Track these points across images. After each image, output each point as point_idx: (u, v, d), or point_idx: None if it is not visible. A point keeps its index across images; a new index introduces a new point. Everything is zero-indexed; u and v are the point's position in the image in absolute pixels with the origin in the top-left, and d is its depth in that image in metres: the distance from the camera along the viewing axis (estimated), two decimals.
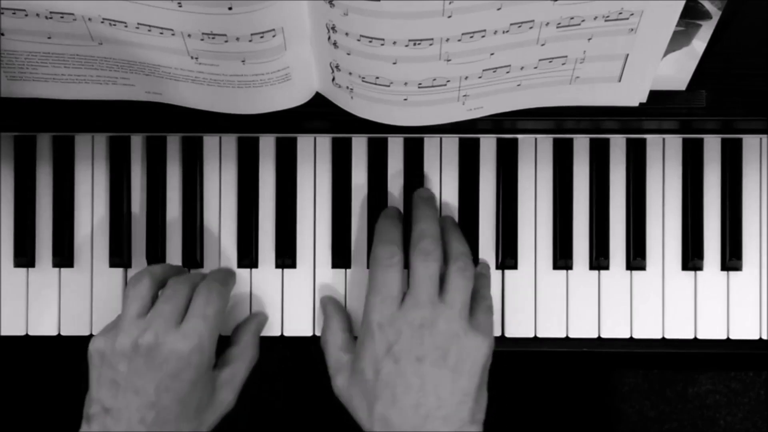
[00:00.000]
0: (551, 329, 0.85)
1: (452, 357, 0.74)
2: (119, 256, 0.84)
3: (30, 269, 0.85)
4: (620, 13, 0.68)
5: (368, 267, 0.83)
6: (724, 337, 0.85)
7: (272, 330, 0.84)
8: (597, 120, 0.81)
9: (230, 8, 0.66)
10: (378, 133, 0.85)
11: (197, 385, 0.75)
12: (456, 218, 0.85)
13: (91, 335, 0.84)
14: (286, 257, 0.85)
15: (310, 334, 0.85)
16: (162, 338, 0.74)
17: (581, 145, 0.85)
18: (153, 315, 0.76)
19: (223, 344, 0.81)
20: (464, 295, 0.76)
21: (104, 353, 0.75)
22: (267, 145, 0.85)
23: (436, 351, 0.74)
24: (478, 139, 0.85)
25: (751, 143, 0.85)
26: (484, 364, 0.75)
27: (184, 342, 0.75)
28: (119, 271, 0.85)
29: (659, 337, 0.85)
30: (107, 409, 0.73)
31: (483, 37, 0.68)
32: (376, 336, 0.75)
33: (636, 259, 0.84)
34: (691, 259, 0.84)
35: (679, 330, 0.85)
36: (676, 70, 0.76)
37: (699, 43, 0.73)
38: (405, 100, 0.74)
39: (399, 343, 0.74)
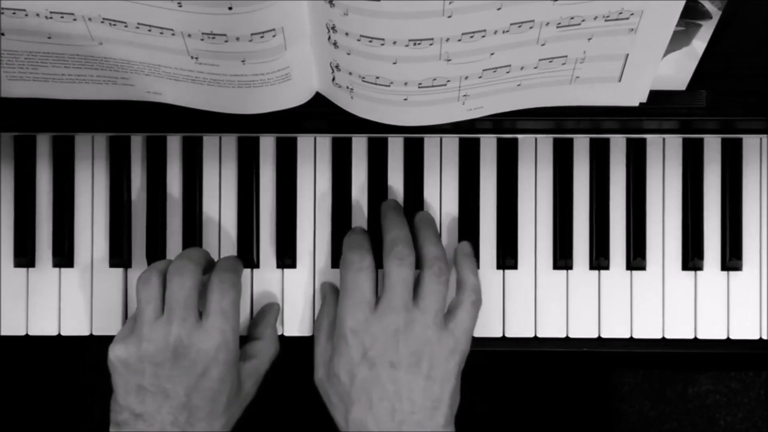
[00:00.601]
0: (551, 329, 0.85)
1: (425, 363, 0.75)
2: (119, 256, 0.84)
3: (30, 269, 0.85)
4: (620, 13, 0.68)
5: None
6: (724, 337, 0.85)
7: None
8: (597, 120, 0.81)
9: (230, 8, 0.66)
10: (378, 133, 0.85)
11: (226, 381, 0.76)
12: (456, 218, 0.85)
13: (91, 335, 0.84)
14: (286, 257, 0.85)
15: (310, 334, 0.85)
16: (187, 340, 0.74)
17: (581, 145, 0.85)
18: (170, 316, 0.75)
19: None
20: (439, 300, 0.77)
21: (128, 361, 0.75)
22: (267, 145, 0.85)
23: (411, 357, 0.75)
24: (478, 139, 0.85)
25: (751, 143, 0.85)
26: (457, 370, 0.76)
27: (209, 340, 0.75)
28: (119, 271, 0.85)
29: (659, 337, 0.85)
30: (138, 415, 0.74)
31: (483, 37, 0.68)
32: (350, 341, 0.76)
33: (636, 259, 0.84)
34: (691, 259, 0.84)
35: (679, 330, 0.85)
36: (676, 70, 0.76)
37: (699, 43, 0.73)
38: (405, 100, 0.74)
39: (374, 349, 0.75)
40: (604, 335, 0.85)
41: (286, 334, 0.85)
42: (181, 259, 0.78)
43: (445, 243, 0.85)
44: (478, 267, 0.84)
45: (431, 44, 0.68)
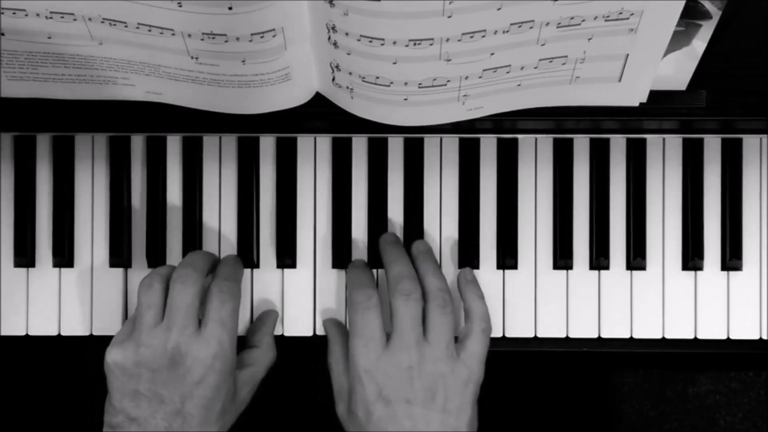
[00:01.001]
0: (551, 329, 0.85)
1: (440, 397, 0.76)
2: (119, 256, 0.84)
3: (30, 269, 0.85)
4: (620, 13, 0.68)
5: (371, 268, 0.83)
6: (724, 337, 0.85)
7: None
8: (597, 120, 0.81)
9: (230, 8, 0.66)
10: (378, 133, 0.85)
11: (221, 389, 0.76)
12: (456, 219, 0.85)
13: (91, 335, 0.84)
14: (286, 257, 0.85)
15: (310, 334, 0.85)
16: (184, 348, 0.75)
17: (581, 145, 0.85)
18: (170, 323, 0.75)
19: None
20: (447, 332, 0.77)
21: (124, 365, 0.75)
22: (267, 145, 0.85)
23: (426, 392, 0.75)
24: (478, 139, 0.85)
25: (751, 143, 0.85)
26: (472, 399, 0.77)
27: (206, 349, 0.75)
28: (119, 271, 0.85)
29: (659, 337, 0.85)
30: (132, 419, 0.74)
31: (483, 37, 0.68)
32: (364, 382, 0.76)
33: (636, 259, 0.84)
34: (691, 259, 0.84)
35: (679, 330, 0.85)
36: (676, 70, 0.76)
37: (699, 43, 0.73)
38: (405, 100, 0.74)
39: (388, 387, 0.76)
40: (604, 335, 0.85)
41: (287, 334, 0.85)
42: (185, 267, 0.78)
43: (446, 244, 0.85)
44: (477, 267, 0.84)
45: (431, 44, 0.68)
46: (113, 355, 0.75)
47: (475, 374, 0.77)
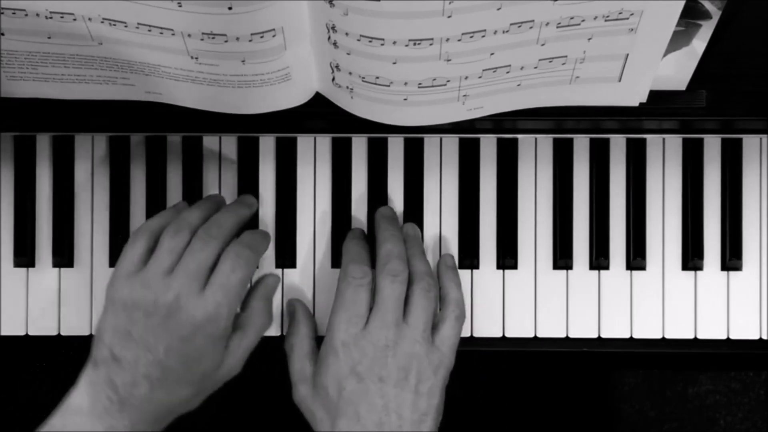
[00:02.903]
0: (551, 329, 0.85)
1: (413, 378, 0.76)
2: (119, 256, 0.84)
3: (30, 269, 0.85)
4: (620, 13, 0.68)
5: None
6: (724, 337, 0.85)
7: (273, 330, 0.84)
8: (597, 120, 0.81)
9: (230, 8, 0.66)
10: (378, 133, 0.85)
11: (206, 354, 0.75)
12: (456, 218, 0.85)
13: (91, 335, 0.84)
14: (286, 257, 0.85)
15: None
16: (183, 302, 0.73)
17: (581, 145, 0.85)
18: (178, 275, 0.74)
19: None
20: (427, 315, 0.78)
21: (126, 303, 0.74)
22: (267, 145, 0.85)
23: (399, 372, 0.76)
24: (478, 139, 0.85)
25: (751, 143, 0.85)
26: (442, 384, 0.77)
27: (202, 310, 0.74)
28: None
29: (659, 337, 0.85)
30: (115, 357, 0.73)
31: (483, 37, 0.68)
32: (340, 354, 0.76)
33: (636, 259, 0.84)
34: (691, 259, 0.84)
35: (679, 330, 0.85)
36: (676, 70, 0.76)
37: (699, 43, 0.73)
38: (405, 100, 0.74)
39: (363, 363, 0.76)
40: (604, 335, 0.85)
41: (286, 333, 0.85)
42: (212, 227, 0.76)
43: (446, 244, 0.85)
44: (477, 267, 0.84)
45: (431, 44, 0.68)
46: (121, 291, 0.74)
47: (447, 359, 0.78)
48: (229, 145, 0.85)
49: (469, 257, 0.84)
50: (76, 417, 0.73)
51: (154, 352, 0.73)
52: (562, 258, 0.84)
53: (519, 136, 0.85)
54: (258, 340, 0.79)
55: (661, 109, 0.79)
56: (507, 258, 0.84)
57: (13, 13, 0.69)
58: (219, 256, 0.76)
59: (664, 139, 0.85)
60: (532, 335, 0.85)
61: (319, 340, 0.81)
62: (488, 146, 0.85)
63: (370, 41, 0.67)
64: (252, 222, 0.84)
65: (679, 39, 0.73)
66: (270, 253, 0.85)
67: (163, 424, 0.76)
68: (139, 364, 0.73)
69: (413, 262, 0.80)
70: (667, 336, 0.85)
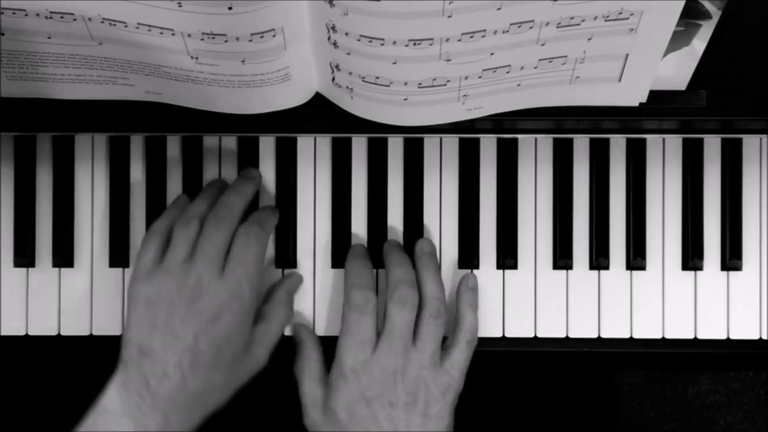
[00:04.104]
0: (551, 329, 0.85)
1: (422, 402, 0.77)
2: (119, 256, 0.84)
3: (30, 269, 0.85)
4: (620, 13, 0.68)
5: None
6: (724, 337, 0.85)
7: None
8: (597, 120, 0.81)
9: (230, 8, 0.66)
10: (378, 133, 0.85)
11: (235, 333, 0.76)
12: (456, 218, 0.85)
13: (91, 335, 0.84)
14: (286, 257, 0.85)
15: None
16: (206, 283, 0.75)
17: (581, 145, 0.85)
18: (196, 259, 0.76)
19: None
20: (435, 341, 0.78)
21: (149, 296, 0.75)
22: (267, 145, 0.85)
23: (408, 396, 0.76)
24: (478, 139, 0.85)
25: (751, 143, 0.85)
26: (451, 407, 0.78)
27: (225, 287, 0.75)
28: (119, 271, 0.85)
29: (659, 337, 0.85)
30: (144, 351, 0.74)
31: (483, 37, 0.68)
32: (350, 380, 0.77)
33: (636, 259, 0.84)
34: (691, 259, 0.84)
35: (679, 330, 0.85)
36: (676, 70, 0.76)
37: (699, 43, 0.73)
38: (405, 100, 0.74)
39: (372, 389, 0.76)
40: (604, 335, 0.85)
41: (286, 333, 0.84)
42: (222, 210, 0.78)
43: (446, 244, 0.85)
44: (477, 267, 0.84)
45: (431, 44, 0.68)
46: (143, 288, 0.76)
47: (456, 383, 0.79)
48: (229, 145, 0.85)
49: (469, 257, 0.84)
50: (107, 417, 0.74)
51: (183, 339, 0.74)
52: (562, 258, 0.84)
53: (519, 136, 0.85)
54: (281, 331, 0.81)
55: (661, 109, 0.79)
56: (507, 258, 0.84)
57: (13, 13, 0.69)
58: (232, 236, 0.77)
59: (664, 139, 0.85)
60: (532, 335, 0.85)
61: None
62: (488, 146, 0.85)
63: (370, 41, 0.67)
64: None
65: (679, 39, 0.73)
66: (270, 254, 0.85)
67: (196, 423, 0.76)
68: (169, 354, 0.73)
69: (425, 284, 0.80)
70: (667, 336, 0.85)
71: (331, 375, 0.78)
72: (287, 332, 0.84)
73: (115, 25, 0.69)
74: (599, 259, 0.84)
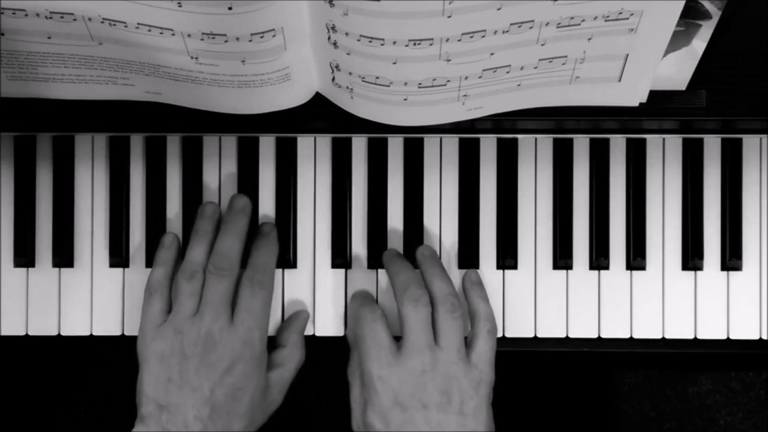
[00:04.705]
0: (551, 329, 0.85)
1: (456, 400, 0.76)
2: (119, 256, 0.84)
3: (30, 269, 0.85)
4: (620, 13, 0.68)
5: (370, 268, 0.84)
6: (724, 337, 0.85)
7: (272, 330, 0.84)
8: (597, 120, 0.81)
9: (230, 8, 0.66)
10: (378, 133, 0.85)
11: (250, 380, 0.77)
12: (456, 219, 0.85)
13: (91, 335, 0.84)
14: (286, 257, 0.84)
15: (310, 333, 0.85)
16: (217, 335, 0.76)
17: (581, 145, 0.85)
18: (204, 312, 0.77)
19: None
20: (458, 336, 0.78)
21: (163, 354, 0.76)
22: (267, 145, 0.85)
23: (441, 396, 0.76)
24: (478, 139, 0.85)
25: (751, 143, 0.85)
26: (487, 401, 0.77)
27: (237, 337, 0.76)
28: (119, 271, 0.85)
29: (659, 337, 0.85)
30: (163, 406, 0.75)
31: (483, 37, 0.68)
32: (379, 389, 0.76)
33: (636, 259, 0.84)
34: (691, 259, 0.84)
35: (679, 330, 0.85)
36: (676, 70, 0.76)
37: (699, 43, 0.73)
38: (405, 100, 0.74)
39: (403, 392, 0.76)
40: (604, 335, 0.85)
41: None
42: (221, 259, 0.79)
43: (446, 244, 0.85)
44: (477, 267, 0.84)
45: (431, 44, 0.68)
46: (155, 347, 0.77)
47: (486, 375, 0.78)
48: (229, 145, 0.85)
49: (469, 257, 0.84)
50: None
51: (200, 392, 0.75)
52: (562, 258, 0.84)
53: (519, 136, 0.85)
54: (296, 373, 0.82)
55: (661, 109, 0.79)
56: (507, 258, 0.84)
57: (13, 13, 0.69)
58: (234, 281, 0.78)
59: (664, 139, 0.85)
60: (532, 335, 0.85)
61: (315, 339, 0.82)
62: (488, 146, 0.85)
63: (370, 41, 0.67)
64: (252, 222, 0.84)
65: (679, 39, 0.73)
66: None
67: None
68: (189, 407, 0.74)
69: (433, 283, 0.80)
70: (667, 336, 0.85)
71: (364, 391, 0.78)
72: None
73: (115, 25, 0.69)
74: (599, 259, 0.84)
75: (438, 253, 0.84)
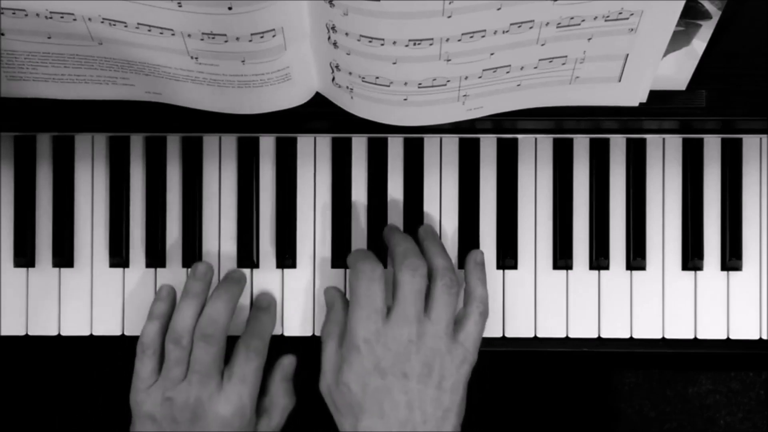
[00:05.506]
0: (551, 329, 0.85)
1: (436, 374, 0.76)
2: (119, 256, 0.84)
3: (30, 269, 0.85)
4: (620, 13, 0.68)
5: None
6: (724, 337, 0.85)
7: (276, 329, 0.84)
8: (597, 120, 0.81)
9: (230, 8, 0.66)
10: (378, 133, 0.85)
11: None
12: (456, 219, 0.85)
13: (91, 335, 0.84)
14: (286, 257, 0.85)
15: (310, 334, 0.85)
16: (206, 403, 0.77)
17: (581, 145, 0.85)
18: (193, 378, 0.77)
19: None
20: (450, 311, 0.77)
21: (154, 416, 0.77)
22: (267, 145, 0.85)
23: (423, 368, 0.75)
24: (478, 139, 0.85)
25: (751, 143, 0.85)
26: (465, 380, 0.77)
27: (227, 405, 0.77)
28: (119, 271, 0.85)
29: (659, 337, 0.85)
30: None
31: (483, 37, 0.68)
32: (362, 351, 0.76)
33: (636, 259, 0.84)
34: (691, 259, 0.84)
35: (679, 330, 0.85)
36: (676, 70, 0.76)
37: (699, 43, 0.73)
38: (405, 100, 0.74)
39: (386, 359, 0.76)
40: (604, 335, 0.85)
41: (287, 334, 0.85)
42: (210, 325, 0.78)
43: (446, 244, 0.85)
44: None
45: (431, 44, 0.68)
46: (146, 407, 0.77)
47: (470, 355, 0.78)
48: (229, 145, 0.85)
49: None
50: None
51: None
52: (562, 258, 0.84)
53: (519, 136, 0.85)
54: (284, 420, 0.82)
55: (661, 109, 0.79)
56: (507, 258, 0.84)
57: (13, 13, 0.69)
58: (224, 346, 0.78)
59: (664, 139, 0.85)
60: (532, 335, 0.85)
61: (315, 339, 0.81)
62: (488, 146, 0.85)
63: (370, 41, 0.67)
64: (252, 223, 0.84)
65: (679, 39, 0.73)
66: (270, 254, 0.85)
67: None
68: None
69: (433, 258, 0.79)
70: (667, 336, 0.85)
71: (344, 349, 0.77)
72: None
73: (115, 25, 0.69)
74: (599, 259, 0.84)
75: None
